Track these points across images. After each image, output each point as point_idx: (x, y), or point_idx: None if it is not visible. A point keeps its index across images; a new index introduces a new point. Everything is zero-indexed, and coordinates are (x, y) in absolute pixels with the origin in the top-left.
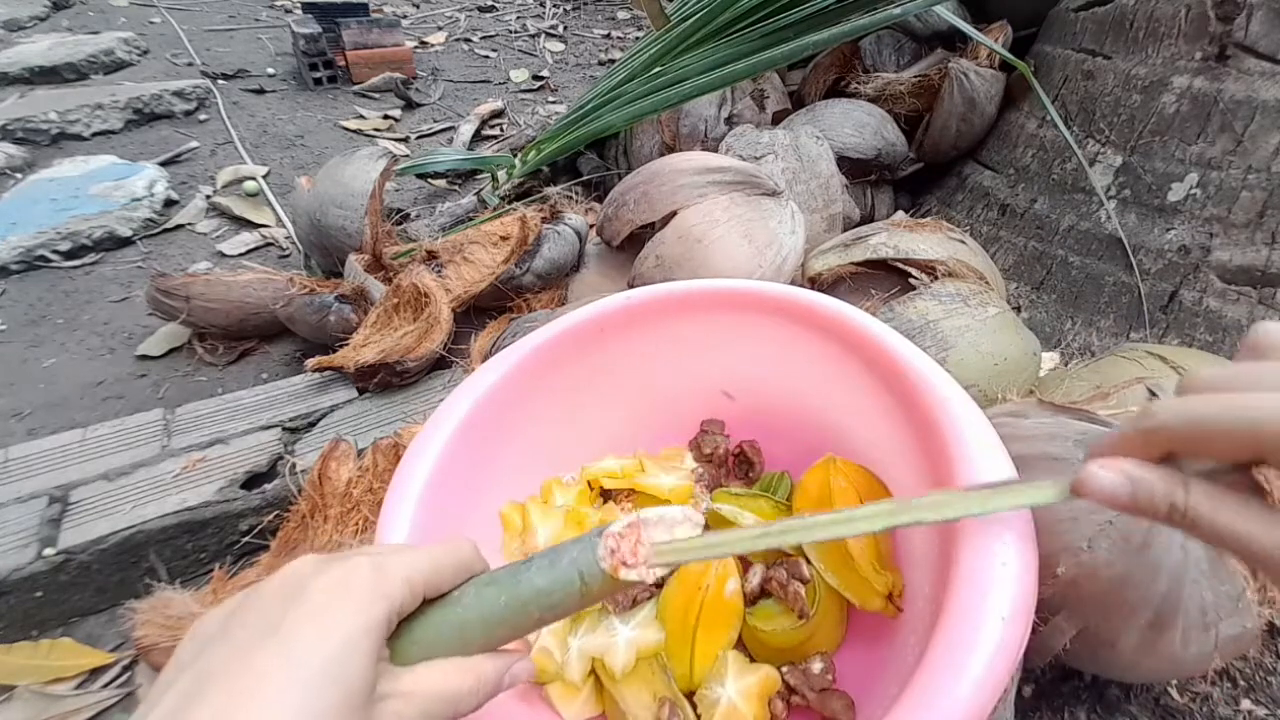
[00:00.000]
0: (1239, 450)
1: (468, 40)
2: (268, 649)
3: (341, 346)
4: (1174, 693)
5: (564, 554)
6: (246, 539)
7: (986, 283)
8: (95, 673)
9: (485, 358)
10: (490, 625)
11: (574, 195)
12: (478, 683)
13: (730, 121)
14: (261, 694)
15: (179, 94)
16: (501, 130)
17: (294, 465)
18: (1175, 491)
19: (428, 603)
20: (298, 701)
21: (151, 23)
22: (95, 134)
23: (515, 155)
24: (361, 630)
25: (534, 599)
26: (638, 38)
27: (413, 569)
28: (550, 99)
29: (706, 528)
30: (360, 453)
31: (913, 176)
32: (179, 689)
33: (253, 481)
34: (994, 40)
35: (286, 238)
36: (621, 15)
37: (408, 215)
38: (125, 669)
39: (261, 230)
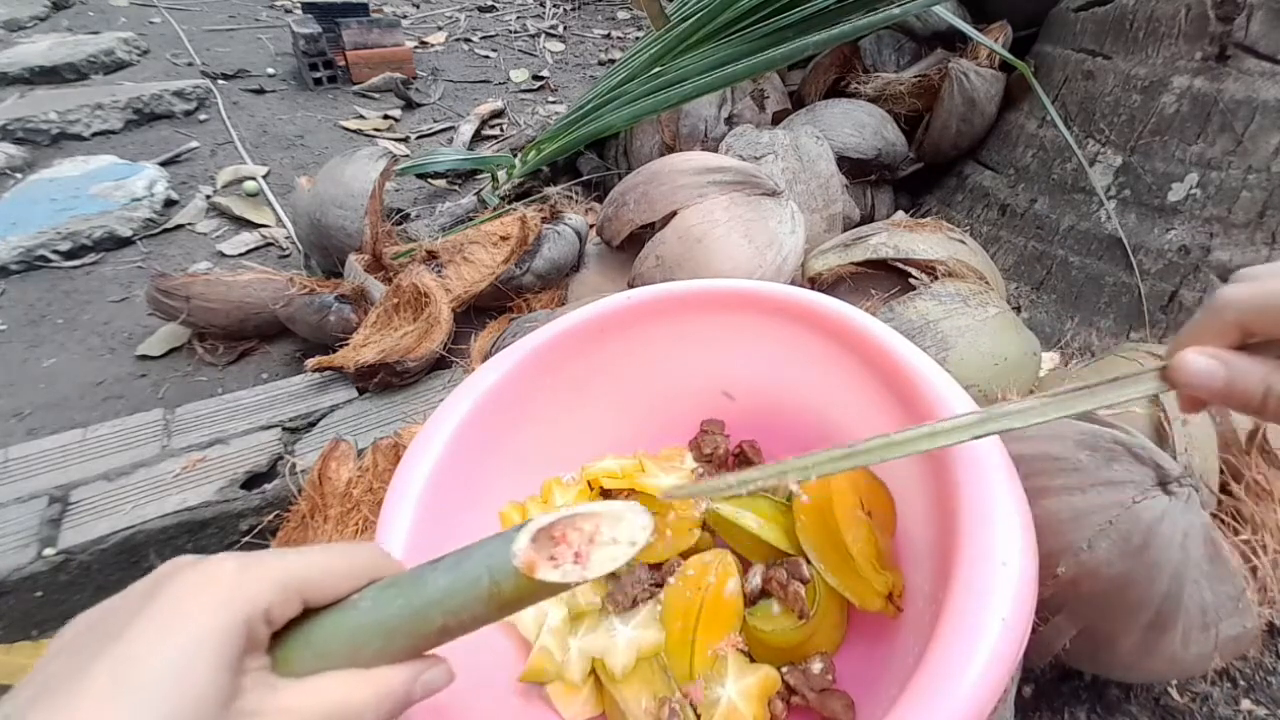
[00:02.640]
0: None
1: (468, 40)
2: (104, 657)
3: (341, 346)
4: (1174, 693)
5: (474, 552)
6: (246, 539)
7: (986, 283)
8: None
9: (485, 358)
10: (388, 632)
11: (574, 195)
12: (377, 696)
13: (730, 121)
14: (81, 714)
15: (179, 94)
16: (501, 130)
17: (294, 465)
18: (1272, 376)
19: (319, 610)
20: (120, 718)
21: (151, 23)
22: (95, 134)
23: (515, 155)
24: (209, 633)
25: (436, 602)
26: (638, 38)
27: (290, 570)
28: (550, 99)
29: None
30: (360, 453)
31: (913, 176)
32: (17, 701)
33: (253, 481)
34: (994, 40)
35: (286, 238)
36: (621, 15)
37: (408, 215)
38: None
39: (261, 230)
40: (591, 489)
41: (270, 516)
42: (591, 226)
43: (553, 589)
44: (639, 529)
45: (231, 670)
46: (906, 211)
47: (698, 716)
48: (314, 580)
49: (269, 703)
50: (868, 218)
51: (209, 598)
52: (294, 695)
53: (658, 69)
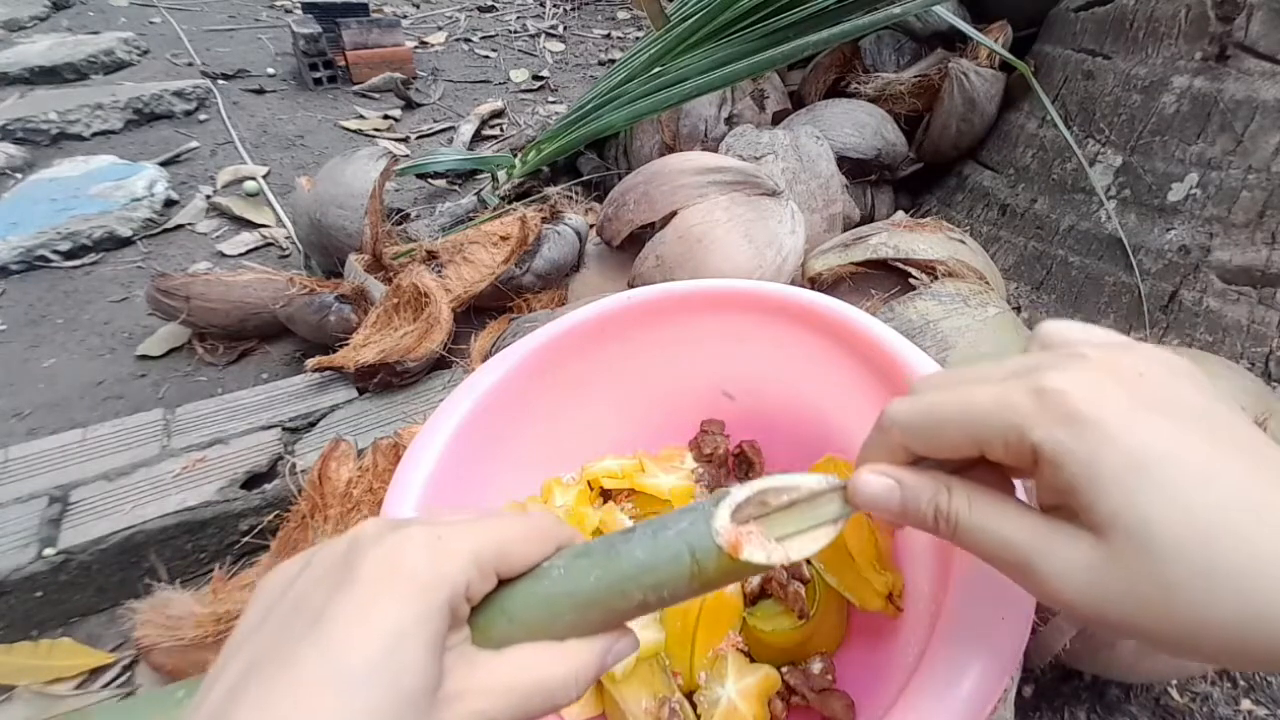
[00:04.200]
0: (962, 442)
1: (468, 40)
2: (308, 642)
3: (341, 346)
4: (1174, 693)
5: (671, 524)
6: (246, 539)
7: (986, 283)
8: (95, 673)
9: (485, 358)
10: (582, 605)
11: (574, 195)
12: (574, 671)
13: (730, 121)
14: (297, 697)
15: (179, 94)
16: (501, 130)
17: (294, 465)
18: (939, 493)
19: (512, 579)
20: (336, 706)
21: (151, 23)
22: (95, 134)
23: (515, 155)
24: (413, 621)
25: (633, 576)
26: (638, 38)
27: (483, 545)
28: (550, 99)
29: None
30: (360, 453)
31: (913, 176)
32: (227, 680)
33: (253, 481)
34: (994, 40)
35: (286, 238)
36: (621, 15)
37: (408, 215)
38: (125, 669)
39: (261, 230)
40: (591, 489)
41: (270, 516)
42: (591, 226)
43: (755, 569)
44: (835, 506)
45: (437, 654)
46: (906, 211)
47: (698, 716)
48: (507, 552)
49: (472, 681)
50: (868, 218)
51: (408, 584)
52: (495, 672)
53: (658, 69)
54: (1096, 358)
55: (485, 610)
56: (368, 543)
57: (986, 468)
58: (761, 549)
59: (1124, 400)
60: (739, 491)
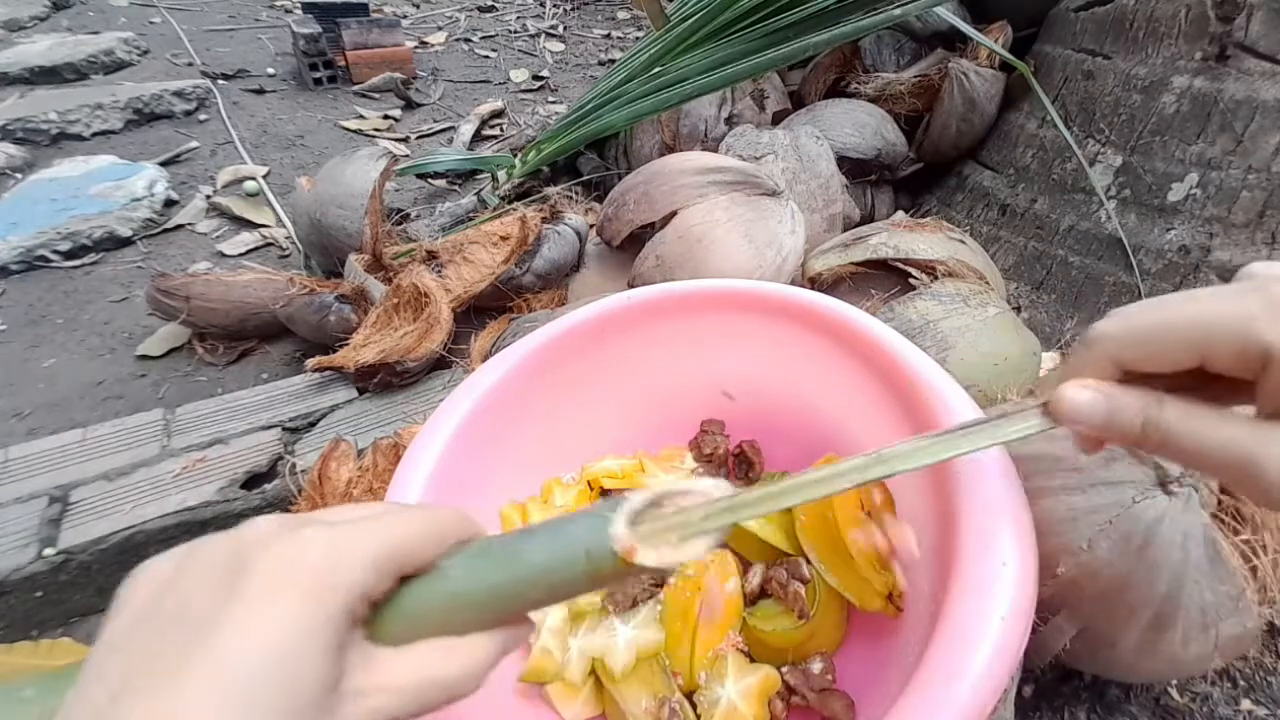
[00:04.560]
0: (1184, 349)
1: (468, 40)
2: (200, 651)
3: (341, 346)
4: (1174, 693)
5: (570, 529)
6: None
7: (986, 283)
8: None
9: (485, 358)
10: (482, 604)
11: (574, 195)
12: (474, 663)
13: (730, 121)
14: (188, 708)
15: (179, 94)
16: (501, 130)
17: (294, 465)
18: (1149, 406)
19: (410, 577)
20: (230, 718)
21: (151, 23)
22: (95, 134)
23: (515, 155)
24: (308, 629)
25: (531, 579)
26: (638, 38)
27: (379, 545)
28: (550, 99)
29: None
30: (360, 453)
31: (913, 176)
32: (106, 686)
33: (253, 481)
34: (994, 40)
35: (286, 238)
36: (621, 15)
37: (408, 215)
38: None
39: (261, 230)
40: (591, 489)
41: None
42: (591, 226)
43: (644, 571)
44: (985, 436)
45: (334, 657)
46: (906, 211)
47: (698, 716)
48: (406, 552)
49: (372, 679)
50: (868, 218)
51: (307, 588)
52: (394, 669)
53: (658, 69)
54: None
55: (384, 608)
56: (258, 546)
57: (1192, 389)
58: (654, 554)
59: None
60: (637, 499)
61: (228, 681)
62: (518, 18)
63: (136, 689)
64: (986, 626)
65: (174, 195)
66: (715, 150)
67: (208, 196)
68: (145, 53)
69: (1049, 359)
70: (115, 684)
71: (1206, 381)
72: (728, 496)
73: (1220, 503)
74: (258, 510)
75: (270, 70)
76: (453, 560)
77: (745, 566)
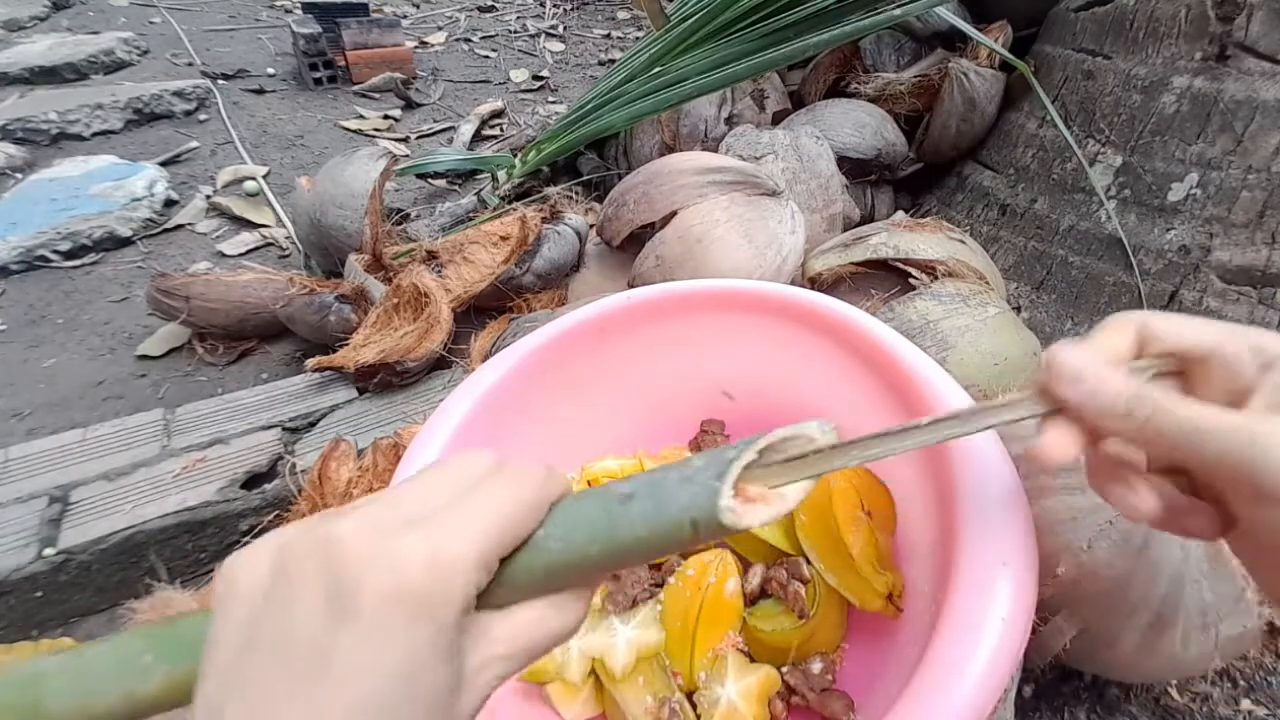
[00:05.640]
0: (1195, 348)
1: (468, 40)
2: (323, 683)
3: (341, 346)
4: (1174, 693)
5: (674, 499)
6: (246, 539)
7: (986, 283)
8: None
9: (485, 358)
10: (582, 571)
11: (574, 195)
12: (575, 615)
13: (730, 121)
14: None
15: (179, 94)
16: (501, 130)
17: (294, 465)
18: (1141, 386)
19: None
20: None
21: (151, 23)
22: (95, 134)
23: (515, 155)
24: (427, 643)
25: (632, 550)
26: (638, 38)
27: (484, 544)
28: (550, 99)
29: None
30: (360, 453)
31: (913, 176)
32: (237, 713)
33: (253, 481)
34: (994, 40)
35: (286, 238)
36: (621, 15)
37: (408, 215)
38: None
39: (261, 230)
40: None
41: (270, 516)
42: (591, 226)
43: (750, 528)
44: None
45: (455, 654)
46: (906, 211)
47: (698, 716)
48: (510, 540)
49: (486, 651)
50: (868, 218)
51: (418, 604)
52: (503, 634)
53: (658, 69)
54: None
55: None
56: (356, 564)
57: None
58: (757, 512)
59: None
60: (741, 457)
61: (359, 708)
62: (518, 18)
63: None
64: (986, 626)
65: (174, 195)
66: (715, 150)
67: (208, 196)
68: (145, 53)
69: None
70: (243, 709)
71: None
72: (829, 446)
73: None
74: (257, 510)
75: (270, 70)
76: (550, 531)
77: (745, 566)
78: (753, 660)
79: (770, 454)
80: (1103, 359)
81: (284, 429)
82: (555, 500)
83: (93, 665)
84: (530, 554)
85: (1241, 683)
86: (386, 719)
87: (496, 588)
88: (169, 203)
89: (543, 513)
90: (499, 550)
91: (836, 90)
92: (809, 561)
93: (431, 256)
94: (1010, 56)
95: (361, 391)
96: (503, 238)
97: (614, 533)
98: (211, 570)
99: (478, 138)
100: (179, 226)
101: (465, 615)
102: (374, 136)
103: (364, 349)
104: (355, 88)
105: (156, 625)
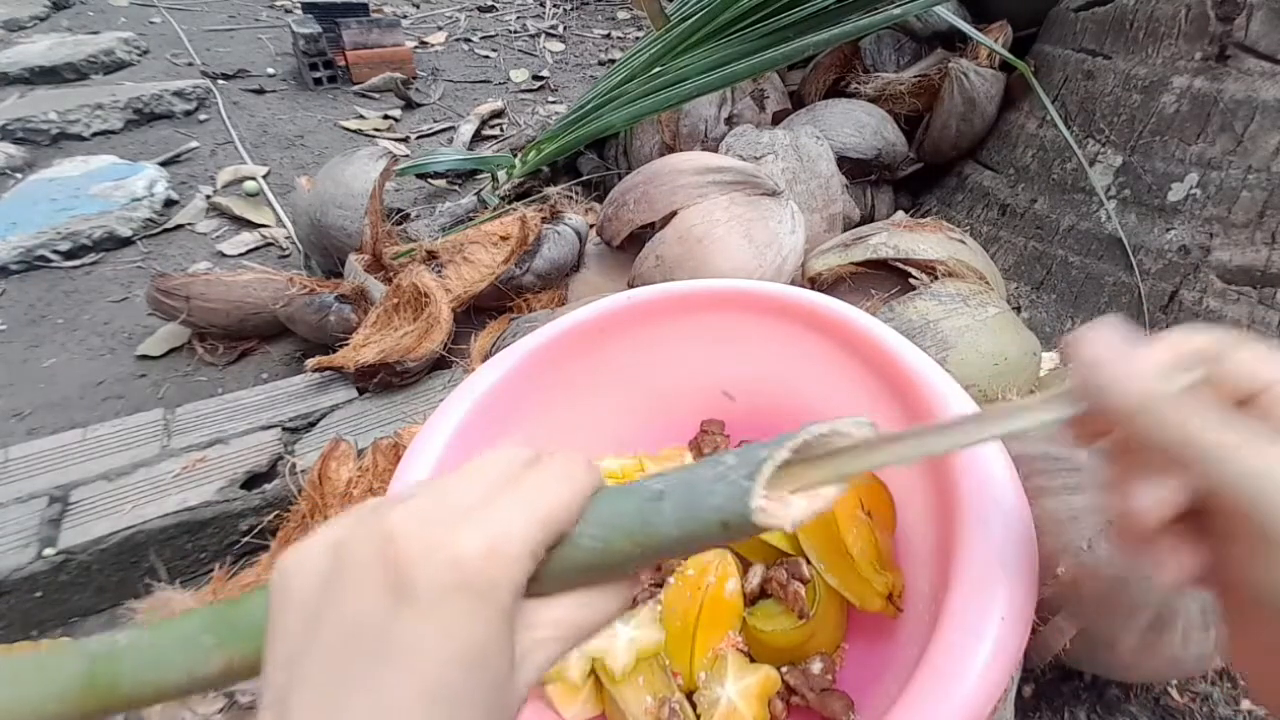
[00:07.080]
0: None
1: (468, 40)
2: (390, 667)
3: (341, 346)
4: (1174, 693)
5: (706, 499)
6: (246, 539)
7: (986, 283)
8: None
9: (485, 358)
10: (619, 567)
11: (574, 195)
12: (615, 604)
13: (730, 121)
14: (397, 714)
15: (179, 94)
16: (501, 130)
17: (294, 465)
18: (1162, 385)
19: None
20: (441, 714)
21: (151, 23)
22: (95, 134)
23: (515, 155)
24: (485, 626)
25: (665, 548)
26: (638, 38)
27: (536, 533)
28: (550, 99)
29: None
30: (360, 453)
31: (913, 176)
32: (305, 701)
33: (253, 481)
34: (994, 40)
35: (286, 238)
36: (621, 15)
37: (408, 215)
38: None
39: (261, 230)
40: None
41: (270, 516)
42: (591, 226)
43: (783, 528)
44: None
45: (511, 637)
46: (906, 211)
47: (698, 716)
48: (557, 531)
49: (532, 635)
50: (868, 218)
51: (476, 590)
52: (547, 621)
53: (658, 69)
54: None
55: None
56: (414, 556)
57: None
58: (789, 512)
59: None
60: (775, 456)
61: (427, 691)
62: (518, 18)
63: (333, 709)
64: (986, 626)
65: (174, 195)
66: (715, 150)
67: (208, 196)
68: (145, 53)
69: (1049, 359)
70: (315, 697)
71: None
72: (864, 442)
73: None
74: (257, 510)
75: (270, 70)
76: (584, 529)
77: (745, 566)
78: (753, 660)
79: (805, 451)
80: (1136, 354)
81: (284, 429)
82: (594, 492)
83: (160, 644)
84: (567, 549)
85: (1241, 683)
86: (456, 702)
87: (539, 580)
88: (169, 203)
89: (585, 504)
90: (548, 540)
91: (836, 90)
92: (809, 561)
93: (431, 256)
94: (1010, 56)
95: (361, 391)
96: (503, 238)
97: (647, 530)
98: (211, 570)
99: (478, 138)
100: (179, 226)
101: (516, 601)
102: (374, 136)
103: (364, 349)
104: (355, 88)
105: (216, 607)
